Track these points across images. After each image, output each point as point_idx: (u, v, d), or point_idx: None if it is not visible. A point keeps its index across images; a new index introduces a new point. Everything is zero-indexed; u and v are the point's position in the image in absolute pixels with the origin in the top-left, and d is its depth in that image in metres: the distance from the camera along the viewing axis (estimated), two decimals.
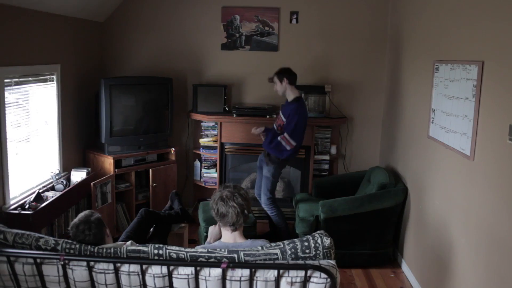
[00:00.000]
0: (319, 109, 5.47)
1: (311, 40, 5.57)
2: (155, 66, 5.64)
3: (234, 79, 5.69)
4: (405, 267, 4.50)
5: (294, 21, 5.55)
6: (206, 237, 4.28)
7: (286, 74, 4.64)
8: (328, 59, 5.59)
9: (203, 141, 5.55)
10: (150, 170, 5.10)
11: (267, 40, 5.58)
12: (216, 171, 5.54)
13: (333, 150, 5.60)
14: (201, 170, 5.66)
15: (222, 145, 5.48)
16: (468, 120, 3.18)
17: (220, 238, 2.96)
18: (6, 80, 3.66)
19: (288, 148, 4.54)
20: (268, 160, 4.67)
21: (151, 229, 3.95)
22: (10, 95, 3.76)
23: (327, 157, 5.52)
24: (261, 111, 5.36)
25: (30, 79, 4.07)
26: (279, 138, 4.55)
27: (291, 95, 4.66)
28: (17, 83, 3.87)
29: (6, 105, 3.66)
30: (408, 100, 4.60)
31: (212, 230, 3.09)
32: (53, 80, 4.46)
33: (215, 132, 5.48)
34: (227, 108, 5.51)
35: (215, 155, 5.51)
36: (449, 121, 3.51)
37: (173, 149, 5.32)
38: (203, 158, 5.63)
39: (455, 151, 3.39)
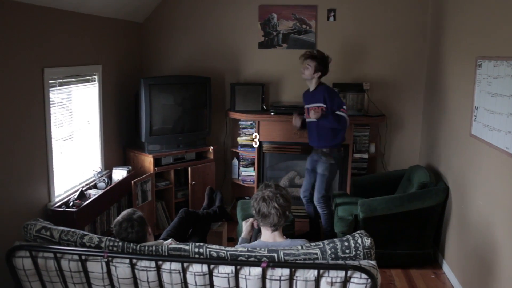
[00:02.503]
0: (358, 107, 5.41)
1: (348, 37, 5.52)
2: (193, 66, 5.70)
3: (272, 78, 5.69)
4: (446, 268, 4.41)
5: (331, 18, 5.51)
6: None
7: (324, 69, 4.58)
8: (366, 56, 5.53)
9: (241, 139, 5.57)
10: (189, 169, 5.16)
11: (304, 38, 5.56)
12: (254, 169, 5.56)
13: (372, 149, 5.53)
14: (239, 168, 5.69)
15: (260, 143, 5.49)
16: None
17: (256, 234, 2.98)
18: (50, 81, 3.76)
19: (347, 124, 4.53)
20: (326, 157, 4.63)
21: (191, 229, 4.00)
22: (54, 95, 3.87)
23: (365, 156, 5.46)
24: (299, 109, 5.33)
25: (73, 79, 4.18)
26: (338, 113, 4.50)
27: (314, 83, 4.64)
28: (61, 84, 3.97)
29: (50, 105, 3.77)
30: (449, 98, 4.51)
31: (246, 226, 3.09)
32: (94, 81, 4.56)
33: (253, 131, 5.50)
34: (264, 107, 5.52)
35: (253, 154, 5.53)
36: (493, 119, 3.42)
37: (212, 147, 5.37)
38: (241, 156, 5.65)
39: (499, 150, 3.30)
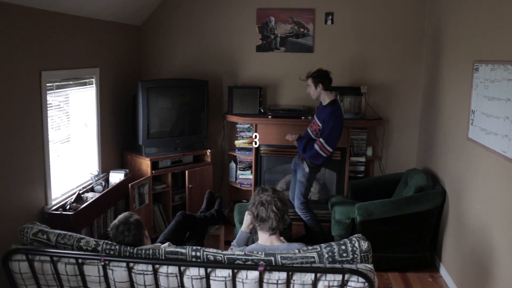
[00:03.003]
0: (355, 110, 5.42)
1: (346, 41, 5.53)
2: (191, 69, 5.70)
3: (269, 81, 5.69)
4: (443, 272, 4.41)
5: (329, 22, 5.52)
6: None
7: (321, 79, 4.55)
8: (364, 60, 5.54)
9: (239, 142, 5.57)
10: (186, 172, 5.16)
11: (302, 41, 5.57)
12: (251, 172, 5.56)
13: (369, 152, 5.54)
14: (236, 171, 5.69)
15: (257, 146, 5.48)
16: (509, 121, 3.10)
17: (251, 226, 2.98)
18: (48, 84, 3.76)
19: (324, 155, 4.48)
20: (303, 165, 4.64)
21: (188, 232, 4.00)
22: (52, 98, 3.86)
23: (363, 159, 5.47)
24: (296, 113, 5.35)
25: (70, 82, 4.17)
26: (315, 145, 4.48)
27: (326, 99, 4.58)
28: (58, 87, 3.97)
29: (48, 108, 3.76)
30: (447, 101, 4.52)
31: (246, 219, 3.04)
32: (92, 84, 4.56)
33: (250, 134, 5.50)
34: (262, 110, 5.52)
35: (250, 157, 5.53)
36: (490, 123, 3.43)
37: (209, 150, 5.37)
38: (238, 159, 5.65)
39: (496, 153, 3.31)
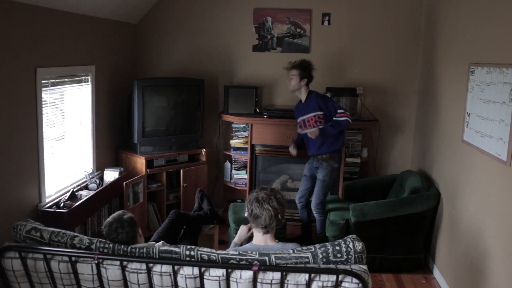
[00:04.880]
0: (351, 111, 5.40)
1: (343, 42, 5.53)
2: (187, 68, 5.69)
3: (265, 81, 5.69)
4: (437, 273, 4.43)
5: (326, 23, 5.53)
6: None
7: (308, 75, 4.57)
8: (360, 61, 5.54)
9: (234, 142, 5.57)
10: (181, 171, 5.15)
11: (298, 42, 5.57)
12: (246, 172, 5.55)
13: (364, 153, 5.54)
14: (231, 171, 5.69)
15: (252, 146, 5.49)
16: (504, 124, 3.11)
17: (247, 239, 2.97)
18: (43, 81, 3.74)
19: (350, 121, 4.51)
20: (328, 162, 4.63)
21: (182, 231, 3.99)
22: (47, 95, 3.85)
23: (358, 160, 5.46)
24: (292, 113, 5.33)
25: (66, 80, 4.16)
26: (339, 118, 4.49)
27: (303, 93, 4.63)
28: (53, 84, 3.96)
29: (43, 105, 3.75)
30: (442, 103, 4.53)
31: (241, 231, 3.08)
32: (87, 81, 4.55)
33: (246, 134, 5.50)
34: (258, 110, 5.52)
35: (245, 157, 5.53)
36: (485, 126, 3.44)
37: (204, 150, 5.36)
38: (233, 159, 5.65)
39: (490, 156, 3.32)
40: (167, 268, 2.37)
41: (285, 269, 2.30)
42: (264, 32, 5.60)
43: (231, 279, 2.32)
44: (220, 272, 2.32)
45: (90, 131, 4.64)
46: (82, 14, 4.31)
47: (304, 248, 2.45)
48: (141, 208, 4.83)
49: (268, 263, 2.36)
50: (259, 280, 2.30)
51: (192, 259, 2.42)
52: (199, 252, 2.43)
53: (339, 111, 4.52)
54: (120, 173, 4.69)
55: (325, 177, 4.66)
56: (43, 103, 3.75)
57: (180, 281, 2.37)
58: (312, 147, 4.69)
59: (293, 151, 4.90)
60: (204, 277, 2.34)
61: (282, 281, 2.29)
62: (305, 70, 4.56)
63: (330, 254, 2.38)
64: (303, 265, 2.36)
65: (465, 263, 3.78)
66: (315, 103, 4.55)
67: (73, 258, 2.43)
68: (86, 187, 4.34)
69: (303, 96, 4.64)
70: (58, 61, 3.99)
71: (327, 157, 4.63)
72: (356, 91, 5.42)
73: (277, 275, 2.28)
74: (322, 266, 2.34)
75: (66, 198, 3.93)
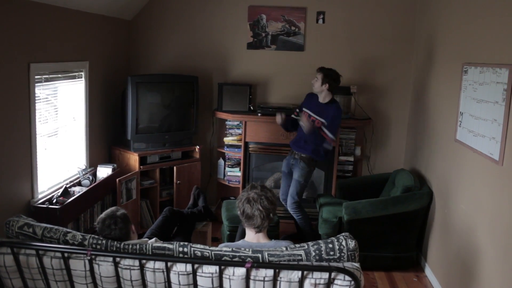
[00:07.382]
0: (344, 110, 5.42)
1: (337, 40, 5.54)
2: (181, 65, 5.68)
3: (260, 79, 5.69)
4: (428, 272, 4.45)
5: (320, 21, 5.53)
6: (229, 235, 4.33)
7: (330, 81, 4.60)
8: (354, 59, 5.56)
9: (228, 139, 5.57)
10: (175, 168, 5.14)
11: (293, 40, 5.57)
12: (240, 170, 5.55)
13: (358, 152, 5.56)
14: (224, 168, 5.69)
15: (246, 144, 5.49)
16: (497, 124, 3.13)
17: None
18: (36, 77, 3.72)
19: (330, 147, 4.63)
20: (305, 163, 4.66)
21: (175, 228, 3.99)
22: (40, 91, 3.83)
23: (351, 158, 5.48)
24: (286, 111, 5.33)
25: (59, 75, 4.14)
26: (325, 145, 4.60)
27: (326, 98, 4.67)
28: (47, 80, 3.94)
29: (36, 101, 3.73)
30: (435, 103, 4.55)
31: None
32: (81, 77, 4.53)
33: (239, 131, 5.49)
34: (252, 107, 5.52)
35: (239, 154, 5.53)
36: (478, 125, 3.46)
37: (198, 147, 5.36)
38: (227, 156, 5.65)
39: (483, 155, 3.34)
40: (160, 265, 2.36)
41: (278, 266, 2.30)
42: (259, 29, 5.60)
43: (224, 276, 2.32)
44: (213, 269, 2.32)
45: (83, 127, 4.62)
46: (75, 9, 4.29)
47: (297, 245, 2.45)
48: (134, 204, 4.82)
49: (261, 260, 2.36)
50: (252, 277, 2.30)
51: (185, 256, 2.42)
52: (192, 248, 2.43)
53: (330, 136, 4.56)
54: (113, 170, 4.68)
55: (300, 178, 4.69)
56: (36, 98, 3.73)
57: (173, 277, 2.36)
58: (298, 141, 4.72)
59: (278, 118, 4.79)
60: (197, 273, 2.34)
61: (275, 278, 2.29)
62: (327, 75, 4.61)
63: (323, 252, 2.38)
64: (296, 263, 2.37)
65: (456, 261, 3.80)
66: (331, 113, 4.58)
67: (66, 254, 2.42)
68: (79, 183, 4.33)
69: (322, 98, 4.68)
70: (51, 57, 3.97)
71: (304, 157, 4.65)
72: (350, 90, 5.44)
73: (270, 272, 2.29)
74: (315, 263, 2.35)
75: (59, 194, 3.92)
